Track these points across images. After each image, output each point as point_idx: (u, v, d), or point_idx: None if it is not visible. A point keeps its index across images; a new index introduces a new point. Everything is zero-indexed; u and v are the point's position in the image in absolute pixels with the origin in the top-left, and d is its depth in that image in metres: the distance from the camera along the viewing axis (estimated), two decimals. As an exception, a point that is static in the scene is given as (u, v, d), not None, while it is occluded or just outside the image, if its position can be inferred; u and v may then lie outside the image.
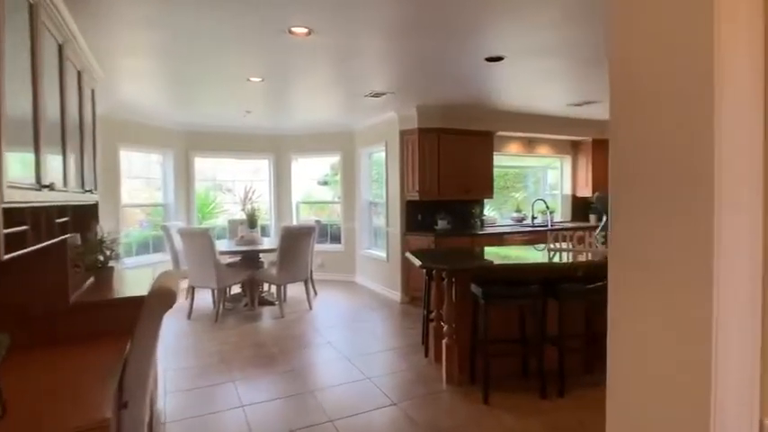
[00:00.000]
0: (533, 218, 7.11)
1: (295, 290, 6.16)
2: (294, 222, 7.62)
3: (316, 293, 6.45)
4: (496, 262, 3.79)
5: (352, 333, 4.94)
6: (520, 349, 3.60)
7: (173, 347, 4.43)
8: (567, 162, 7.61)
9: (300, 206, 7.99)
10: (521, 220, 7.29)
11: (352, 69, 4.15)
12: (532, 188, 7.98)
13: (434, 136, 6.01)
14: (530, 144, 7.15)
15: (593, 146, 7.24)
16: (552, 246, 4.00)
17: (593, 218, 7.41)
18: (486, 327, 3.24)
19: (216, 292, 5.31)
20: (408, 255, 3.96)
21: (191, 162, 7.17)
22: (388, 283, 6.43)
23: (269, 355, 4.21)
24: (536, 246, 4.59)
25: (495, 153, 6.59)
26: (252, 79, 4.44)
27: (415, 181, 6.00)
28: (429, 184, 6.00)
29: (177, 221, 6.62)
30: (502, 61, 3.89)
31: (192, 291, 5.44)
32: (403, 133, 6.11)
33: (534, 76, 4.43)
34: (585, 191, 7.36)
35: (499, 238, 6.06)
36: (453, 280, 3.55)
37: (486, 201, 6.78)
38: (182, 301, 5.87)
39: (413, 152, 6.03)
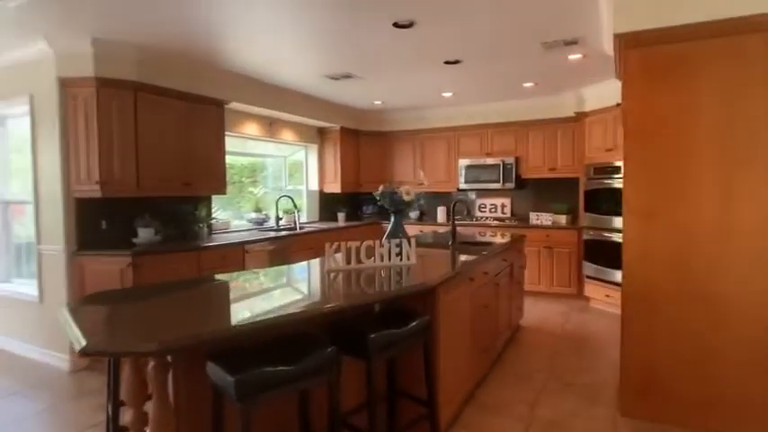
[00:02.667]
0: (278, 219, 5.67)
1: None
2: None
3: None
4: (250, 304, 2.10)
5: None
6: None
7: None
8: (314, 152, 6.49)
9: None
10: (262, 222, 5.73)
11: None
12: (272, 182, 6.51)
13: (128, 94, 3.76)
14: (271, 126, 5.65)
15: (342, 135, 6.35)
16: (335, 263, 2.60)
17: (341, 216, 6.54)
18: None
19: None
20: (64, 318, 1.81)
21: None
22: (44, 341, 3.74)
23: None
24: (299, 263, 3.12)
25: (227, 133, 4.80)
26: None
27: (93, 166, 3.61)
28: (120, 171, 3.72)
29: None
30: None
31: None
32: (66, 84, 3.60)
33: (296, 13, 2.93)
34: (334, 186, 6.41)
35: (238, 251, 4.32)
36: (170, 359, 1.70)
37: (215, 198, 4.91)
38: None
39: (87, 118, 3.61)
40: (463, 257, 3.12)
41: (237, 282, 2.47)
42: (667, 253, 2.51)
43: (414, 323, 2.12)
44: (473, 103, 5.89)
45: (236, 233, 5.03)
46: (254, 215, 5.76)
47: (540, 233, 5.41)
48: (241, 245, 4.37)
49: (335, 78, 4.65)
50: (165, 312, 1.86)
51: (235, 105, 4.82)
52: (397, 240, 2.77)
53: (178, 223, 4.43)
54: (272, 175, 6.50)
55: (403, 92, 5.33)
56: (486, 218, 6.21)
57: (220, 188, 4.60)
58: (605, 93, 4.83)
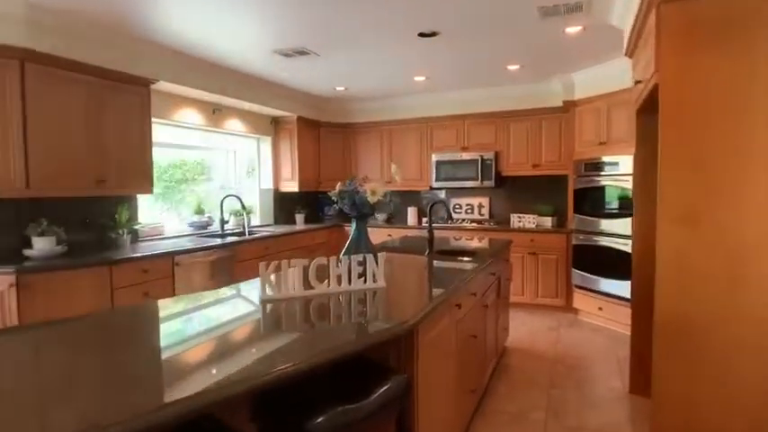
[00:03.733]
0: (223, 222, 4.85)
1: None
2: None
3: None
4: (126, 376, 1.34)
5: None
6: None
7: None
8: (267, 145, 5.69)
9: None
10: (205, 226, 4.90)
11: None
12: (224, 180, 5.66)
13: (12, 65, 2.91)
14: (215, 114, 4.82)
15: (300, 126, 5.58)
16: (272, 289, 1.87)
17: (299, 219, 5.77)
18: None
19: None
20: None
21: None
22: None
23: None
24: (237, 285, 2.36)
25: (156, 120, 3.98)
26: None
27: (-40, 155, 2.74)
28: (1, 166, 2.86)
29: None
30: None
31: None
32: None
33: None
34: (291, 185, 5.64)
35: (166, 263, 3.50)
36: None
37: (159, 199, 4.06)
38: None
39: (-49, 91, 2.74)
40: (446, 273, 2.45)
41: (130, 324, 1.69)
42: (715, 271, 1.91)
43: (384, 388, 1.43)
44: (449, 90, 5.25)
45: (172, 240, 4.19)
46: (194, 218, 4.93)
47: (524, 237, 4.83)
48: (170, 255, 3.55)
49: (287, 55, 3.88)
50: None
51: (166, 87, 3.98)
52: (360, 257, 2.06)
53: (91, 230, 3.58)
54: (223, 172, 5.65)
55: (369, 75, 4.62)
56: (463, 219, 5.59)
57: (145, 186, 3.75)
58: (599, 78, 4.28)
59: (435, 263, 2.79)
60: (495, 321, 3.19)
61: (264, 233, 4.86)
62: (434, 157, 5.48)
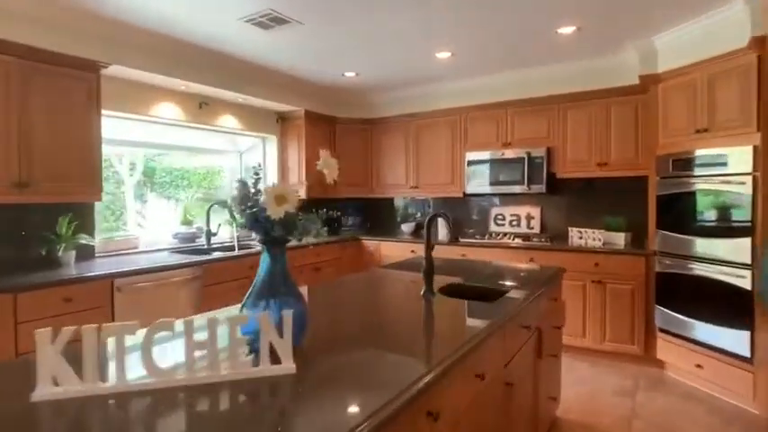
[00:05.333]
0: (210, 234, 4.10)
1: None
2: None
3: None
4: None
5: None
6: None
7: None
8: (273, 144, 4.91)
9: None
10: (192, 238, 4.19)
11: None
12: (226, 187, 4.95)
13: None
14: (202, 109, 4.10)
15: (308, 122, 4.75)
16: (61, 379, 0.98)
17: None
18: None
19: None
20: None
21: None
22: None
23: None
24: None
25: (108, 112, 3.33)
26: None
27: None
28: None
29: None
30: None
31: None
32: None
33: None
34: (300, 189, 4.80)
35: (103, 288, 2.74)
36: None
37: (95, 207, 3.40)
38: None
39: None
40: (437, 334, 1.44)
41: None
42: None
43: None
44: (483, 70, 4.15)
45: (144, 255, 3.51)
46: (182, 229, 4.24)
47: (586, 259, 3.63)
48: (108, 278, 2.80)
49: (264, 26, 3.03)
50: None
51: (118, 69, 3.28)
52: (260, 315, 1.12)
53: (27, 245, 2.93)
54: (228, 176, 4.95)
55: (378, 53, 3.68)
56: (506, 234, 4.45)
57: (90, 192, 3.04)
58: (695, 38, 3.04)
59: (430, 310, 1.78)
60: (534, 394, 2.10)
61: (258, 248, 4.05)
62: (469, 156, 4.41)
